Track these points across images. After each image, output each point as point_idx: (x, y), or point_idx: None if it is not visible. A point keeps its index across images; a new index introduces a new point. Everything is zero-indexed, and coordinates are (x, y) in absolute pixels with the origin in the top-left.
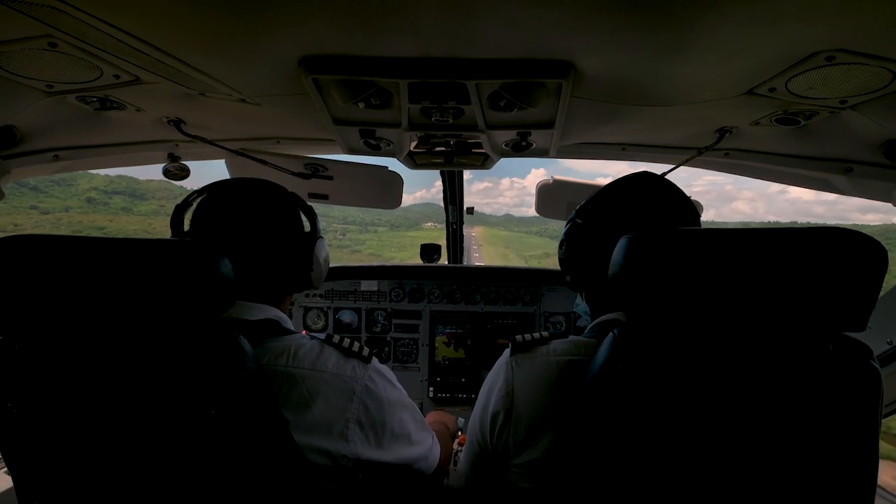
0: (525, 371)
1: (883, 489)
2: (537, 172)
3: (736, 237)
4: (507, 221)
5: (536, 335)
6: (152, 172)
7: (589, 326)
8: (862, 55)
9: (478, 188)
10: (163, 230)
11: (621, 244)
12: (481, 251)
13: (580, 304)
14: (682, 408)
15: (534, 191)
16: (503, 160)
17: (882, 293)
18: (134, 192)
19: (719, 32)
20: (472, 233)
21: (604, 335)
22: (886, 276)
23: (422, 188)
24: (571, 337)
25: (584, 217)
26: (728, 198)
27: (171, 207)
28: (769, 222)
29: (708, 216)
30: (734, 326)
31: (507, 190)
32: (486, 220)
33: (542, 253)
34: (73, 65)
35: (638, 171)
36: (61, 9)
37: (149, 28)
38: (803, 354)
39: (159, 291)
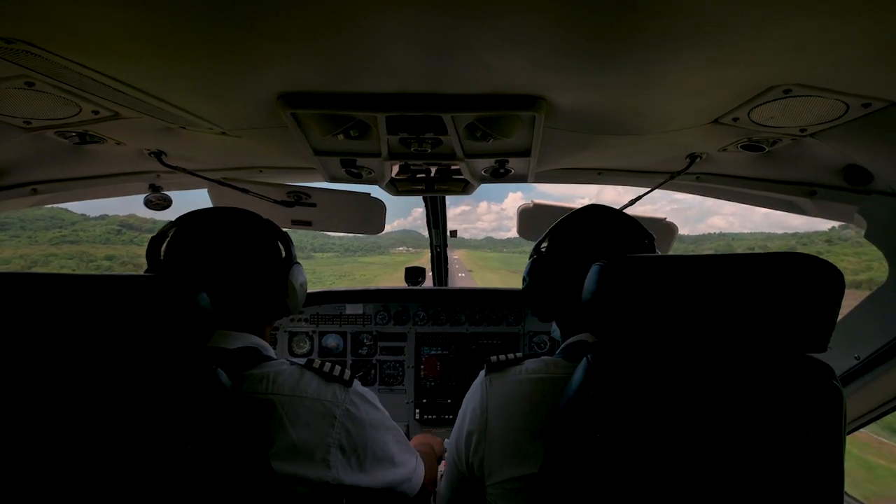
0: (499, 390)
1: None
2: (514, 196)
3: (702, 263)
4: (492, 244)
5: (511, 356)
6: None
7: (559, 348)
8: (817, 88)
9: (454, 213)
10: None
11: (593, 271)
12: (472, 276)
13: (555, 329)
14: (652, 429)
15: (512, 214)
16: (480, 186)
17: (851, 310)
18: None
19: (679, 71)
20: (453, 256)
21: (573, 355)
22: None
23: (399, 217)
24: (543, 357)
25: (541, 253)
26: (710, 213)
27: None
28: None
29: (683, 231)
30: (701, 349)
31: (485, 214)
32: (466, 244)
33: None
34: (51, 102)
35: (592, 203)
36: (34, 52)
37: (125, 70)
38: (769, 375)
39: (137, 328)
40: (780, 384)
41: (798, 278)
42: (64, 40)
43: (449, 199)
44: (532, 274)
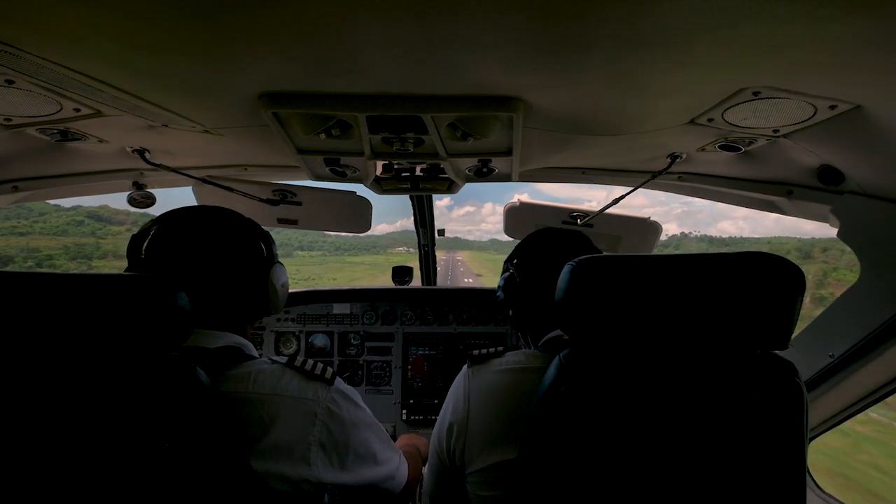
0: (480, 380)
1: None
2: (521, 197)
3: (670, 262)
4: (497, 245)
5: (492, 349)
6: None
7: (540, 343)
8: (785, 91)
9: (458, 214)
10: None
11: (565, 271)
12: (481, 282)
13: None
14: (621, 424)
15: None
16: (485, 187)
17: (825, 310)
18: None
19: (649, 73)
20: (457, 257)
21: (553, 349)
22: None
23: (402, 217)
24: (524, 349)
25: (513, 267)
26: (720, 216)
27: None
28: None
29: (698, 231)
30: (669, 345)
31: (490, 216)
32: (471, 246)
33: None
34: (31, 100)
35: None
36: (12, 52)
37: (104, 69)
38: (734, 372)
39: (114, 327)
40: (744, 381)
41: (760, 277)
42: (41, 40)
43: (453, 200)
44: (506, 286)
